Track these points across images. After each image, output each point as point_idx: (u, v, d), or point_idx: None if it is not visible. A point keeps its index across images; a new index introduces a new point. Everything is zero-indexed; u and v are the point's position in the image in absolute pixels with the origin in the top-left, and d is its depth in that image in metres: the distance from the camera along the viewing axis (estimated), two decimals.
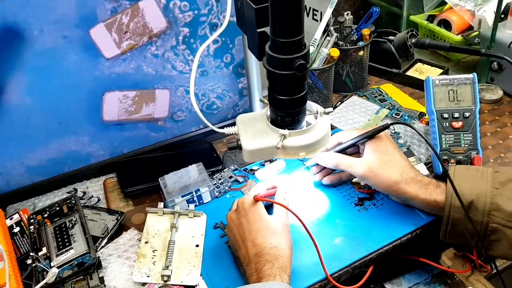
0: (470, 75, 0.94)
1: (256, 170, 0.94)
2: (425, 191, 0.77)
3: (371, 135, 0.80)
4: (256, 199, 0.76)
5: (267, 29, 0.65)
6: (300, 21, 0.60)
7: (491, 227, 0.71)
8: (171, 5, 0.86)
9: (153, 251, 0.78)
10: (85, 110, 0.91)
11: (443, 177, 0.88)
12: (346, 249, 0.77)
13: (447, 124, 0.92)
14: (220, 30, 0.73)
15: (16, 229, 0.86)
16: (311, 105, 0.75)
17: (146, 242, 0.79)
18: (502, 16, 1.13)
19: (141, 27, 0.86)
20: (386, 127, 0.78)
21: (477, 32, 1.20)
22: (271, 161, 0.94)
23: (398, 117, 1.07)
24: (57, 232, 0.82)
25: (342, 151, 0.85)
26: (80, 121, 0.91)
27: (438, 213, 0.76)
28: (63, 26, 0.80)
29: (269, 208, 0.77)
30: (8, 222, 0.87)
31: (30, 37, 0.79)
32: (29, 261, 0.78)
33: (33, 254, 0.78)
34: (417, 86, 1.17)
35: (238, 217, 0.75)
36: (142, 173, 0.97)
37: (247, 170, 0.94)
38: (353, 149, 0.86)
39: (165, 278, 0.74)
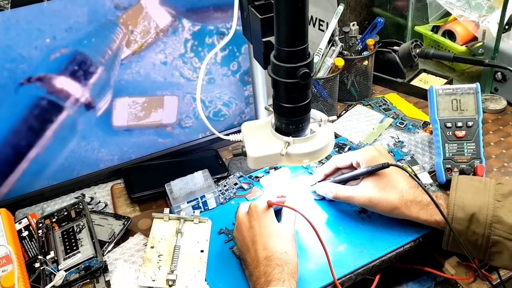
0: (473, 85, 0.95)
1: (261, 177, 0.95)
2: (425, 212, 0.77)
3: (371, 171, 0.80)
4: (269, 204, 0.77)
5: (272, 39, 0.67)
6: (304, 31, 0.62)
7: (493, 240, 0.72)
8: None
9: (158, 256, 0.79)
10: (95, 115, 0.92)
11: (446, 186, 0.89)
12: (349, 256, 0.78)
13: (450, 133, 0.93)
14: (226, 39, 0.75)
15: (25, 233, 0.87)
16: (315, 113, 0.76)
17: (152, 247, 0.80)
18: (506, 27, 1.14)
19: (147, 24, 0.87)
20: (385, 166, 0.79)
21: (481, 43, 1.21)
22: (275, 168, 0.95)
23: (403, 126, 1.08)
24: (65, 236, 0.83)
25: (340, 182, 0.85)
26: (90, 126, 0.93)
27: (440, 229, 0.77)
28: (75, 33, 0.82)
29: (276, 216, 0.78)
30: (17, 226, 0.88)
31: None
32: (37, 265, 0.79)
33: (41, 258, 0.79)
34: (421, 95, 1.19)
35: (250, 219, 0.76)
36: (149, 179, 0.98)
37: (252, 177, 0.96)
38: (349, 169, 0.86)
39: (170, 283, 0.75)
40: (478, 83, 0.95)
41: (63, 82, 0.85)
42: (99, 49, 0.86)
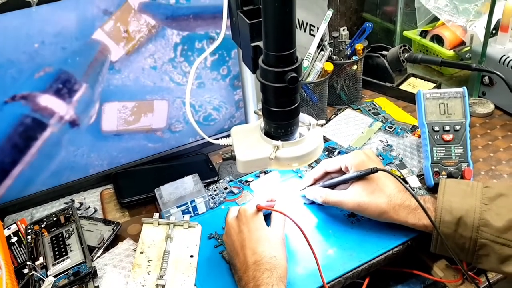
0: (460, 89, 0.96)
1: (251, 181, 0.95)
2: (413, 216, 0.77)
3: (360, 176, 0.80)
4: (258, 208, 0.77)
5: (260, 43, 0.67)
6: (292, 36, 0.62)
7: (480, 243, 0.72)
8: None
9: (148, 261, 0.79)
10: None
11: (434, 189, 0.90)
12: (339, 259, 0.78)
13: (438, 137, 0.93)
14: (215, 44, 0.75)
15: (14, 239, 0.87)
16: (304, 117, 0.77)
17: (141, 252, 0.80)
18: (493, 32, 1.15)
19: (138, 23, 0.87)
20: (374, 171, 0.79)
21: (468, 48, 1.23)
22: (265, 172, 0.96)
23: (391, 130, 1.08)
24: (54, 242, 0.83)
25: (330, 187, 0.86)
26: (80, 131, 0.93)
27: (428, 232, 0.78)
28: (63, 38, 0.82)
29: (265, 220, 0.78)
30: (6, 232, 0.87)
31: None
32: (26, 270, 0.79)
33: (30, 264, 0.79)
34: (410, 100, 1.19)
35: (239, 224, 0.76)
36: (138, 184, 0.98)
37: (242, 182, 0.96)
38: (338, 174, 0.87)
39: None
40: (465, 87, 0.96)
41: (47, 101, 0.86)
42: (83, 67, 0.86)
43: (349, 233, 0.83)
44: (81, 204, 0.96)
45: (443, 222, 0.74)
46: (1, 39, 0.78)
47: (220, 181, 0.96)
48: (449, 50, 1.27)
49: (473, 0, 1.25)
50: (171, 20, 0.89)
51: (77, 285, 0.76)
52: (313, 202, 0.88)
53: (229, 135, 0.79)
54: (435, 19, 1.33)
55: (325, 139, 1.06)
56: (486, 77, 1.15)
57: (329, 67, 1.09)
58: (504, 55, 1.10)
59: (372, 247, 0.80)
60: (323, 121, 0.78)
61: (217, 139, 0.81)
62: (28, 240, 0.84)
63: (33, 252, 0.82)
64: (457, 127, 0.93)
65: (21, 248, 0.85)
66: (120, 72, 0.90)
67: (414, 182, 0.93)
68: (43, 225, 0.87)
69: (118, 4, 0.84)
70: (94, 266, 0.79)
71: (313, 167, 0.93)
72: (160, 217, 0.86)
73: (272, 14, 0.60)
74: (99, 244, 0.85)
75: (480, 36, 1.17)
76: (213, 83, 1.00)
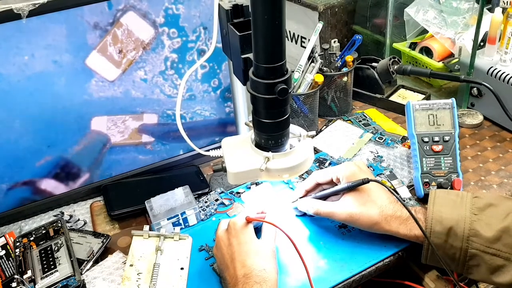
0: (449, 100, 0.97)
1: (242, 192, 0.95)
2: (405, 227, 0.78)
3: (351, 187, 0.80)
4: (248, 220, 0.77)
5: (251, 55, 0.68)
6: (281, 48, 0.63)
7: (470, 253, 0.73)
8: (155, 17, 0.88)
9: (137, 274, 0.78)
10: (74, 134, 0.92)
11: (424, 200, 0.90)
12: (330, 271, 0.78)
13: (427, 147, 0.94)
14: (205, 56, 0.76)
15: (2, 252, 0.86)
16: (294, 129, 0.77)
17: (131, 265, 0.79)
18: (481, 43, 1.17)
19: (132, 42, 0.88)
20: (365, 182, 0.79)
21: (457, 59, 1.24)
22: (257, 183, 0.96)
23: (382, 141, 1.09)
24: (43, 255, 0.82)
25: (321, 198, 0.86)
26: (70, 144, 0.92)
27: (419, 243, 0.78)
28: (54, 51, 0.82)
29: (256, 233, 0.78)
30: None
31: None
32: (14, 284, 0.78)
33: (18, 277, 0.78)
34: (400, 111, 1.20)
35: (228, 237, 0.76)
36: (128, 196, 0.97)
37: (233, 193, 0.96)
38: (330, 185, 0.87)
39: None
40: (453, 99, 0.97)
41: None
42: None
43: (340, 244, 0.83)
44: (71, 216, 0.95)
45: (434, 232, 0.74)
46: None
47: (211, 193, 0.96)
48: (438, 62, 1.28)
49: (461, 13, 1.26)
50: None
51: None
52: (304, 214, 0.88)
53: (220, 147, 0.79)
54: (424, 31, 1.34)
55: (316, 150, 1.07)
56: (475, 89, 1.16)
57: (320, 78, 1.10)
58: (492, 67, 1.11)
59: (363, 258, 0.80)
60: (313, 133, 0.78)
61: (208, 150, 0.81)
62: (16, 253, 0.83)
63: (21, 266, 0.81)
64: (447, 138, 0.94)
65: (9, 262, 0.84)
66: (110, 86, 0.90)
67: (404, 193, 0.94)
68: (31, 238, 0.86)
69: (109, 20, 0.85)
70: (83, 280, 0.78)
71: (304, 179, 0.93)
72: (151, 229, 0.85)
73: (262, 26, 0.60)
74: (88, 257, 0.84)
75: (468, 48, 1.18)
76: (204, 95, 1.00)
